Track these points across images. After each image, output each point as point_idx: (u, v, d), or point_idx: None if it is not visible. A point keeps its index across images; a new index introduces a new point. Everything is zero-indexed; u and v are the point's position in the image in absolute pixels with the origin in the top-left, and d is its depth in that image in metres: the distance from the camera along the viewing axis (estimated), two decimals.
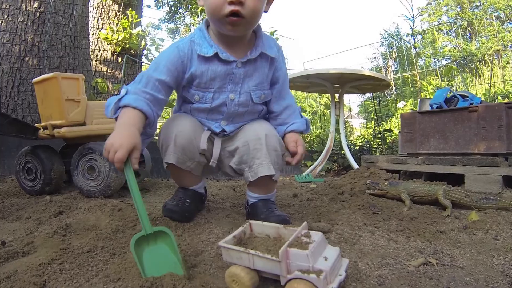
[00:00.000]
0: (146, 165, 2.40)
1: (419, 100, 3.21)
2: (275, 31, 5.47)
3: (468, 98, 2.47)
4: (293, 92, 5.63)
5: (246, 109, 1.42)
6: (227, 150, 1.44)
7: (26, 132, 2.29)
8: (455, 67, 5.38)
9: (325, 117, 5.91)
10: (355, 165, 3.14)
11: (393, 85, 4.42)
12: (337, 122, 3.31)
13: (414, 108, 5.57)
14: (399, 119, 5.77)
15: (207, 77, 1.35)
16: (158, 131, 2.31)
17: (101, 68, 4.81)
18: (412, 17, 19.13)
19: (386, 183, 1.93)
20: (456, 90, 2.88)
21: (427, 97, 5.06)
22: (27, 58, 3.39)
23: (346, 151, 3.19)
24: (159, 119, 1.37)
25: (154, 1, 11.33)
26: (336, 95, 3.30)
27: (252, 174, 1.36)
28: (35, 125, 2.31)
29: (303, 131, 1.48)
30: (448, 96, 2.54)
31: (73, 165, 2.08)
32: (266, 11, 1.33)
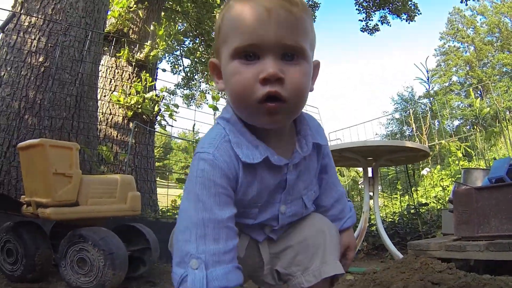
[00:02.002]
0: (153, 253, 2.05)
1: (462, 171, 2.83)
2: None
3: None
4: None
5: (299, 218, 1.06)
6: (271, 252, 1.06)
7: (7, 206, 1.94)
8: (497, 130, 5.03)
9: (352, 192, 5.50)
10: (392, 248, 2.71)
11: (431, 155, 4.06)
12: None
13: (444, 176, 5.17)
14: (428, 189, 5.40)
15: (253, 192, 0.94)
16: None
17: (111, 132, 4.58)
18: (428, 79, 19.29)
19: None
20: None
21: (465, 166, 4.66)
22: (26, 116, 3.05)
23: (383, 233, 2.79)
24: None
25: (170, 66, 11.59)
26: (369, 169, 2.95)
27: (310, 277, 0.97)
28: (21, 197, 1.99)
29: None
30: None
31: (61, 254, 1.71)
32: (311, 90, 0.93)
